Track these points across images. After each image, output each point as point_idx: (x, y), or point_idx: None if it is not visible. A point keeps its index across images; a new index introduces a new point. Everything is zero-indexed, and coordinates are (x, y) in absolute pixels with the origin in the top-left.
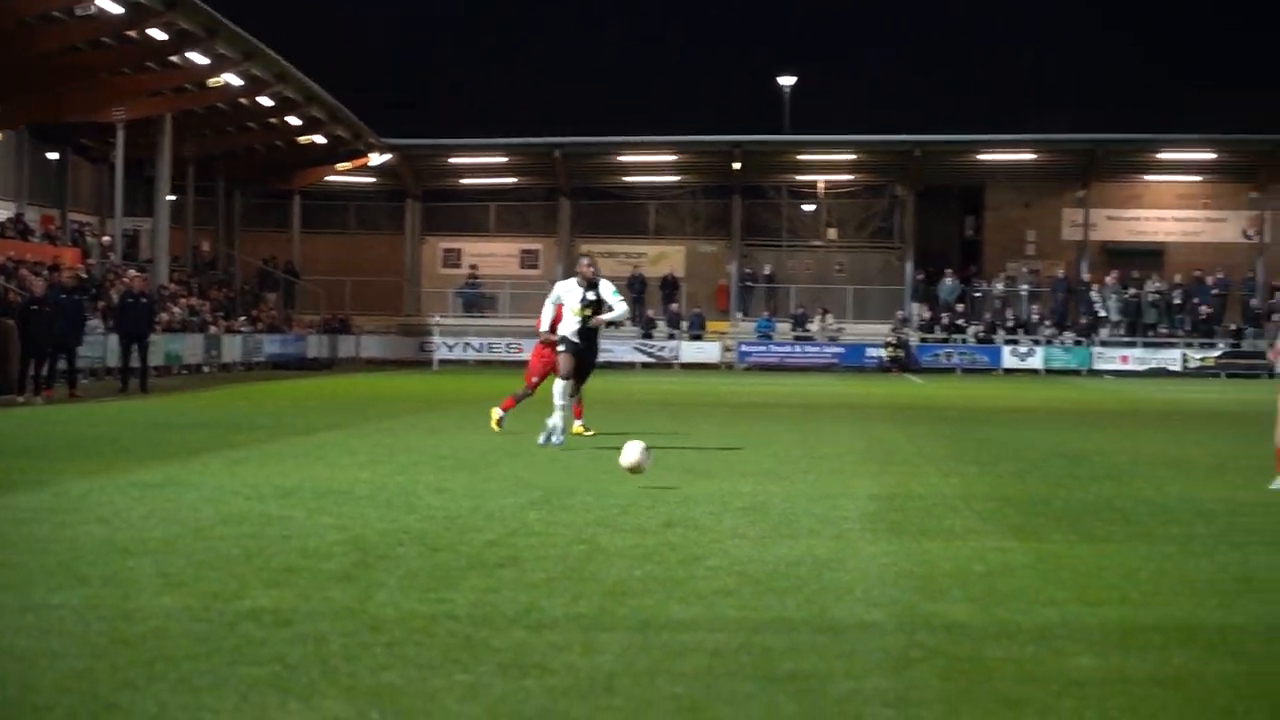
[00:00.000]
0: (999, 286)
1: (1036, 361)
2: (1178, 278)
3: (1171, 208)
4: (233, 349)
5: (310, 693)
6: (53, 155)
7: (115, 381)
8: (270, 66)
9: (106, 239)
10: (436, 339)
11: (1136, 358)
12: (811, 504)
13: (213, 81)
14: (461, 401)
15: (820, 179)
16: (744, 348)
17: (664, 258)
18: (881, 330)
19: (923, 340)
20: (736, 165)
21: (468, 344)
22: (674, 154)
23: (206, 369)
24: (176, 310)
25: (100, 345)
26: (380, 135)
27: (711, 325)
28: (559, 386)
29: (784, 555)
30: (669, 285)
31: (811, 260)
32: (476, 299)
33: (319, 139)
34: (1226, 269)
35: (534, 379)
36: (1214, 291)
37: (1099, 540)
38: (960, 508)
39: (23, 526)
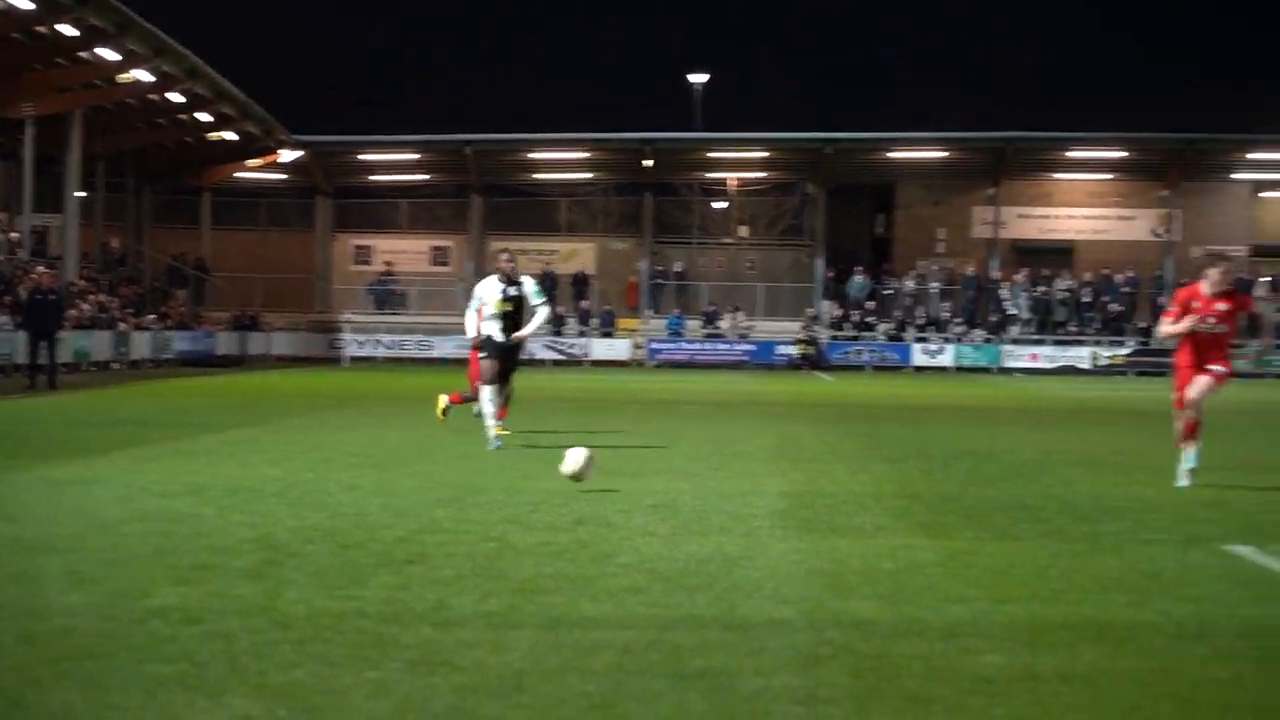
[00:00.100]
0: (909, 284)
1: (946, 359)
2: (1087, 276)
3: (1081, 206)
4: (142, 346)
5: (219, 690)
6: None
7: (23, 378)
8: (181, 63)
9: (15, 235)
10: (347, 336)
11: (1046, 355)
12: (722, 501)
13: (123, 77)
14: (372, 399)
15: (731, 176)
16: (654, 345)
17: (575, 255)
18: (792, 328)
19: (833, 338)
20: (648, 163)
21: (378, 341)
22: (585, 151)
23: (115, 366)
24: (85, 307)
25: (8, 342)
26: (291, 132)
27: (622, 322)
28: (483, 392)
29: (694, 552)
30: (580, 282)
31: (722, 257)
32: (387, 296)
33: (229, 135)
34: (1136, 267)
35: (477, 383)
36: (1123, 289)
37: (1008, 538)
38: (870, 505)
39: None
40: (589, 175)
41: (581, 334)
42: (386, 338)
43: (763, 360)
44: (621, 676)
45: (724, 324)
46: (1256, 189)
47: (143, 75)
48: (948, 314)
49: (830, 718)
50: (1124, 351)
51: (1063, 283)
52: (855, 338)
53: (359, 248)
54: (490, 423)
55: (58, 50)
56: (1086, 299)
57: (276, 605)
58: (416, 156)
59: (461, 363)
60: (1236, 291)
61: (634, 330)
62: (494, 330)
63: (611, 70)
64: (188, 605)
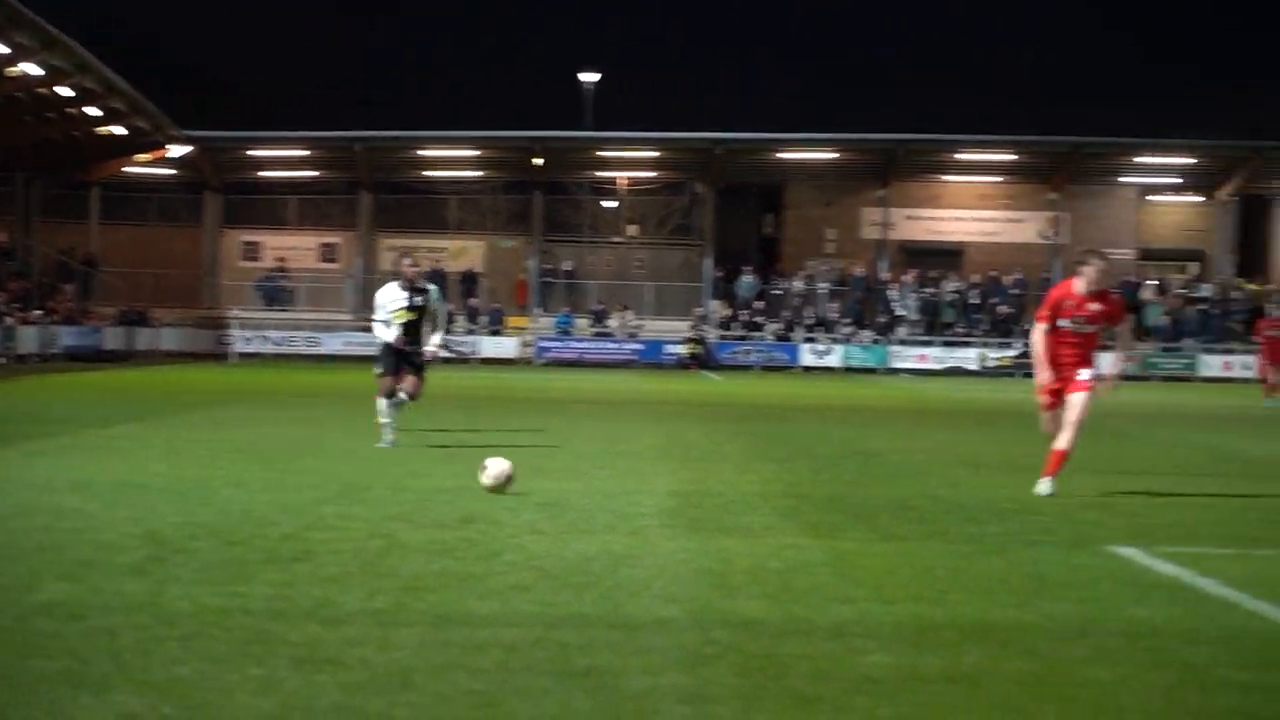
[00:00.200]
0: (798, 284)
1: (835, 359)
2: (975, 277)
3: (971, 208)
4: (28, 341)
5: (103, 687)
6: None
7: None
8: (70, 57)
9: None
10: (235, 332)
11: (934, 356)
12: (609, 500)
13: (11, 71)
14: (259, 395)
15: (621, 175)
16: (543, 343)
17: (464, 253)
18: (680, 327)
19: (721, 337)
20: (538, 161)
21: (266, 337)
22: (475, 149)
23: (1, 360)
24: None
25: None
26: (181, 127)
27: (511, 320)
28: (379, 404)
29: (581, 551)
30: (469, 280)
31: (611, 256)
32: (276, 292)
33: (119, 130)
34: (1024, 269)
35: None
36: (1012, 291)
37: (894, 538)
38: (757, 505)
39: None
40: (479, 173)
41: (470, 332)
42: (274, 334)
43: (651, 359)
44: (508, 674)
45: (613, 323)
46: (1144, 193)
47: (31, 69)
48: (836, 314)
49: (716, 717)
50: (1011, 353)
51: (951, 284)
52: (743, 337)
53: (248, 244)
54: (385, 420)
55: None
56: (975, 301)
57: (162, 602)
58: (305, 153)
59: (352, 359)
60: (1111, 293)
61: (523, 329)
62: (391, 337)
63: (504, 68)
64: (72, 601)
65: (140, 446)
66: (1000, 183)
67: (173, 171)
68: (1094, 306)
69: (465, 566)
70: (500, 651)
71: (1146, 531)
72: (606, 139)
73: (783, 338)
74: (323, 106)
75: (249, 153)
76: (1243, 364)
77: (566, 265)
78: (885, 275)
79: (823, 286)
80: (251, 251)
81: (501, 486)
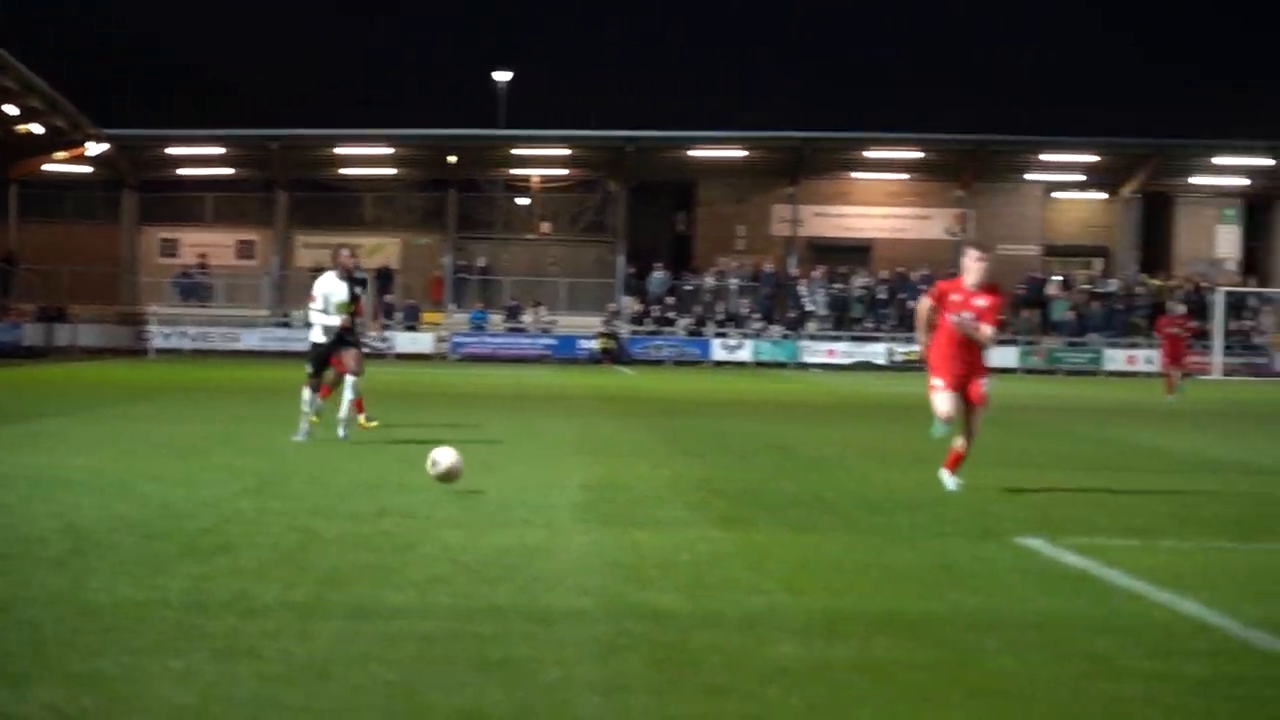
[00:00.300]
0: (709, 280)
1: (745, 354)
2: (884, 273)
3: (879, 205)
4: None
5: (23, 679)
6: None
7: None
8: None
9: None
10: (153, 328)
11: (843, 351)
12: (524, 493)
13: None
14: (178, 390)
15: (534, 174)
16: (458, 339)
17: (380, 249)
18: (594, 322)
19: (634, 333)
20: (452, 159)
21: (184, 333)
22: (390, 147)
23: None
24: None
25: None
26: (99, 125)
27: (426, 316)
28: (304, 392)
29: (496, 544)
30: (384, 277)
31: (525, 253)
32: (193, 289)
33: (36, 128)
34: (931, 265)
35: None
36: (919, 287)
37: (805, 530)
38: (669, 498)
39: None
40: (393, 171)
41: (386, 328)
42: (192, 330)
43: (565, 354)
44: (424, 665)
45: (526, 318)
46: (1049, 190)
47: None
48: (747, 310)
49: (629, 707)
50: (918, 348)
51: (860, 280)
52: (656, 332)
53: (165, 241)
54: (307, 409)
55: None
56: (883, 296)
57: (82, 594)
58: (222, 151)
59: (269, 355)
60: (997, 287)
61: (438, 324)
62: (335, 322)
63: (418, 67)
64: None
65: (60, 442)
66: (908, 180)
67: (90, 169)
68: (980, 302)
69: (382, 559)
70: (417, 643)
71: (1053, 523)
72: (519, 137)
73: (694, 333)
74: (238, 105)
75: (166, 151)
76: (1147, 358)
77: (481, 262)
78: (795, 271)
79: (734, 282)
80: (169, 248)
81: (450, 473)
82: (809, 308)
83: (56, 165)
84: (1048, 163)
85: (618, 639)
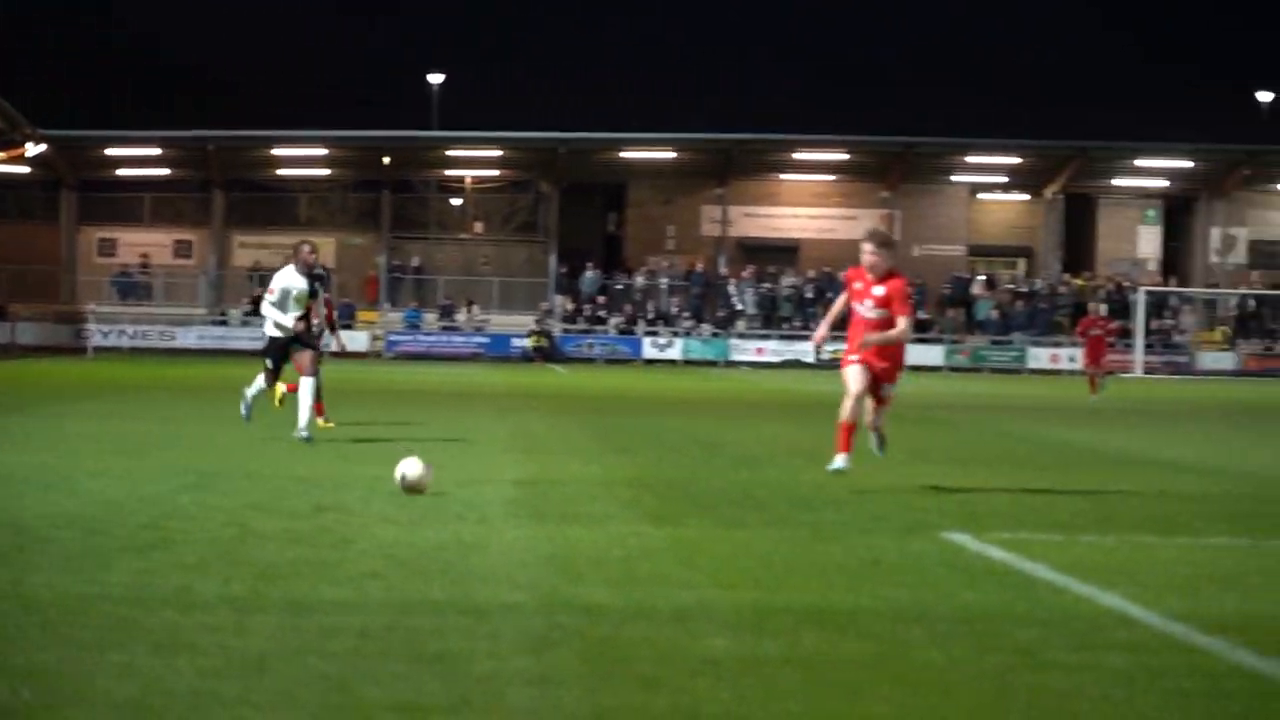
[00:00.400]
0: (640, 280)
1: (675, 352)
2: (811, 273)
3: (806, 206)
4: None
5: None
6: None
7: None
8: None
9: None
10: (92, 326)
11: (772, 349)
12: (458, 490)
13: None
14: (117, 388)
15: (467, 174)
16: (392, 337)
17: (315, 249)
18: (526, 321)
19: (566, 331)
20: (386, 160)
21: (122, 331)
22: (325, 149)
23: None
24: None
25: None
26: (37, 126)
27: (361, 315)
28: (258, 381)
29: (431, 539)
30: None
31: (458, 253)
32: (132, 287)
33: None
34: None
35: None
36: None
37: (734, 526)
38: (601, 494)
39: None
40: (328, 171)
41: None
42: (130, 328)
43: (498, 352)
44: (360, 659)
45: (460, 317)
46: (974, 191)
47: None
48: (677, 309)
49: (562, 699)
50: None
51: (788, 280)
52: (587, 331)
53: (104, 240)
54: (251, 394)
55: None
56: (810, 295)
57: (24, 590)
58: (159, 152)
59: (206, 353)
60: (898, 277)
61: (372, 323)
62: (289, 323)
63: (352, 69)
64: None
65: (2, 439)
66: (835, 181)
67: (29, 170)
68: (879, 290)
69: (319, 554)
70: (353, 637)
71: (977, 518)
72: (453, 139)
73: (625, 331)
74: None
75: (104, 151)
76: (1070, 357)
77: (415, 261)
78: (724, 271)
79: (664, 282)
80: (108, 248)
81: (419, 483)
82: (738, 307)
83: None
84: (972, 164)
85: (551, 632)
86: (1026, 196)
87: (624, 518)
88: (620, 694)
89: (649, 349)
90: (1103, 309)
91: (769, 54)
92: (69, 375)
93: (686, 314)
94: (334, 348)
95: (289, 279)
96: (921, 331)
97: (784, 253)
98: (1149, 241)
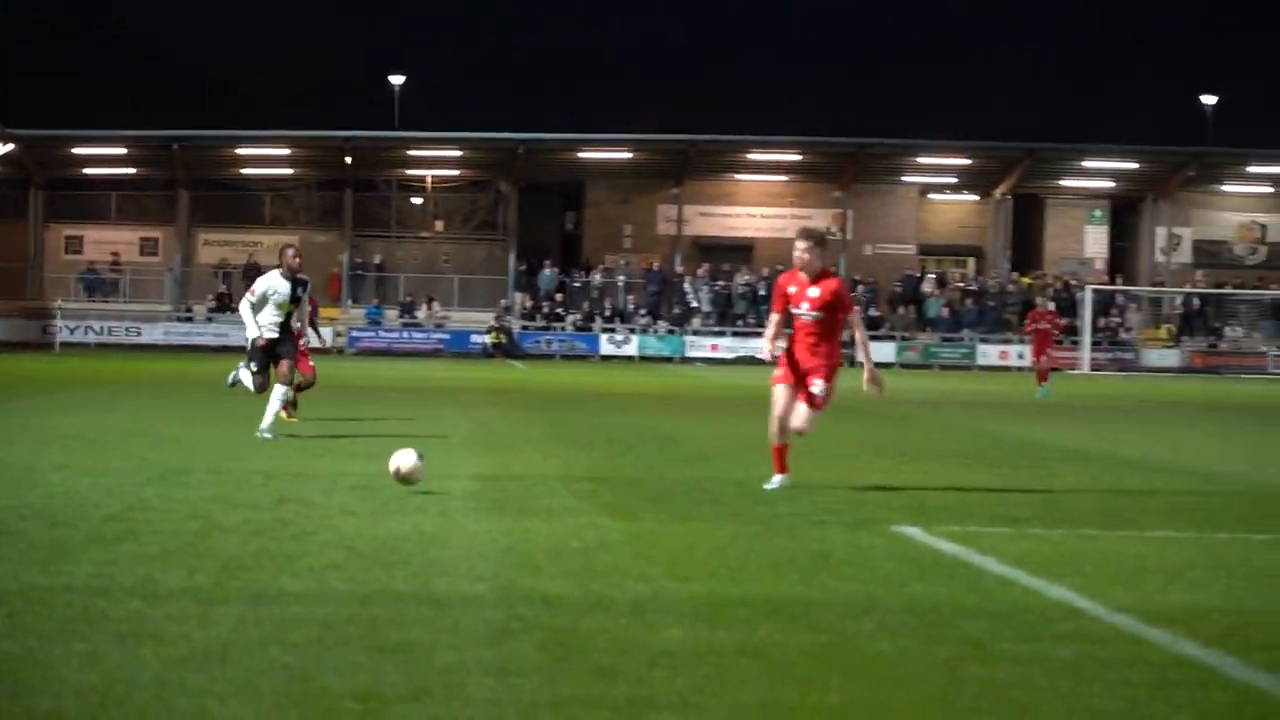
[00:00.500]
0: (597, 278)
1: (632, 349)
2: (765, 271)
3: (760, 205)
4: None
5: None
6: None
7: None
8: None
9: None
10: (59, 322)
11: (726, 346)
12: (419, 483)
13: None
14: (83, 383)
15: (428, 174)
16: (354, 333)
17: (278, 247)
18: (485, 318)
19: (524, 328)
20: (348, 160)
21: (89, 327)
22: (288, 148)
23: None
24: None
25: None
26: (5, 125)
27: (324, 311)
28: (241, 371)
29: (391, 531)
30: None
31: (419, 251)
32: (98, 284)
33: None
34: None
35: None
36: None
37: (689, 519)
38: (558, 488)
39: None
40: (291, 171)
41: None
42: (97, 324)
43: (458, 348)
44: (322, 649)
45: (420, 314)
46: (924, 191)
47: None
48: (633, 306)
49: (521, 689)
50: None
51: (742, 278)
52: (546, 328)
53: (70, 238)
54: (240, 375)
55: None
56: (764, 293)
57: None
58: (125, 151)
59: (171, 349)
60: (833, 276)
61: (335, 319)
62: (266, 326)
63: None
64: None
65: None
66: (788, 181)
67: None
68: (814, 292)
69: (281, 546)
70: (315, 627)
71: (927, 512)
72: (414, 139)
73: (583, 328)
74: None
75: (72, 151)
76: (1018, 353)
77: (376, 259)
78: (680, 269)
79: (621, 280)
80: (75, 245)
81: (412, 475)
82: (693, 304)
83: None
84: (923, 165)
85: (510, 623)
86: (976, 197)
87: (582, 511)
88: (578, 684)
89: (606, 346)
90: (1049, 304)
91: (723, 57)
92: (36, 370)
93: (643, 311)
94: (314, 344)
95: (272, 282)
96: (873, 329)
97: (738, 251)
98: (1096, 241)
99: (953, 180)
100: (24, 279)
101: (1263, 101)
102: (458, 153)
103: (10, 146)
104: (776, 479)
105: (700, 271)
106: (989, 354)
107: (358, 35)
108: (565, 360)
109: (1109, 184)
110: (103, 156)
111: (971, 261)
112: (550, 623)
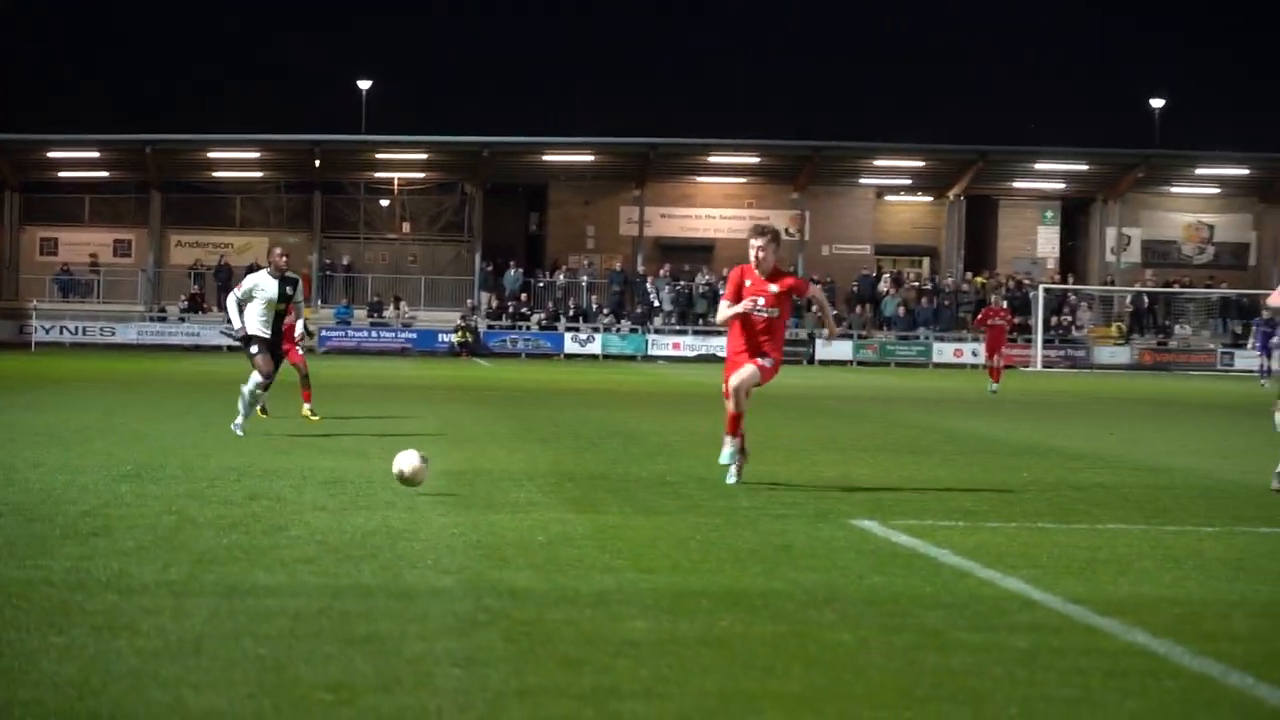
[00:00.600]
0: (561, 278)
1: (595, 347)
2: (725, 270)
3: (720, 206)
4: None
5: None
6: None
7: None
8: None
9: None
10: (34, 322)
11: (688, 344)
12: (387, 478)
13: None
14: (59, 382)
15: (395, 176)
16: (324, 333)
17: (249, 248)
18: (452, 317)
19: (490, 327)
20: (317, 163)
21: (64, 327)
22: (258, 151)
23: None
24: None
25: None
26: None
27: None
28: (253, 379)
29: (361, 526)
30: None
31: (387, 252)
32: (73, 285)
33: None
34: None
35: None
36: None
37: (652, 513)
38: (524, 483)
39: None
40: (262, 174)
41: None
42: (72, 324)
43: (425, 347)
44: (293, 641)
45: (389, 313)
46: (880, 193)
47: None
48: (597, 306)
49: (488, 679)
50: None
51: (703, 277)
52: (511, 327)
53: (45, 240)
54: (244, 409)
55: None
56: (724, 292)
57: None
58: (99, 154)
59: (145, 348)
60: (789, 273)
61: (307, 319)
62: (259, 326)
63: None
64: None
65: None
66: (747, 183)
67: None
68: (772, 288)
69: (253, 540)
70: (287, 620)
71: (884, 506)
72: (381, 142)
73: (547, 327)
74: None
75: (46, 154)
76: (973, 351)
77: (345, 260)
78: (642, 269)
79: (584, 280)
80: (49, 247)
81: (415, 476)
82: (655, 304)
83: None
84: (878, 167)
85: (477, 615)
86: (930, 198)
87: (547, 505)
88: (544, 674)
89: (570, 344)
90: (1002, 302)
91: (684, 60)
92: (11, 369)
93: (606, 311)
94: (298, 334)
95: (258, 279)
96: None
97: (699, 251)
98: (1047, 241)
99: (908, 182)
100: (0, 280)
101: (1210, 105)
102: (424, 156)
103: None
104: (728, 445)
105: (662, 271)
106: (944, 352)
107: (325, 41)
108: (530, 359)
109: (1060, 186)
110: (77, 160)
111: (926, 261)
112: (517, 614)
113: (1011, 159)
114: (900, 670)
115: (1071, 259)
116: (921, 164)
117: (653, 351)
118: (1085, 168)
